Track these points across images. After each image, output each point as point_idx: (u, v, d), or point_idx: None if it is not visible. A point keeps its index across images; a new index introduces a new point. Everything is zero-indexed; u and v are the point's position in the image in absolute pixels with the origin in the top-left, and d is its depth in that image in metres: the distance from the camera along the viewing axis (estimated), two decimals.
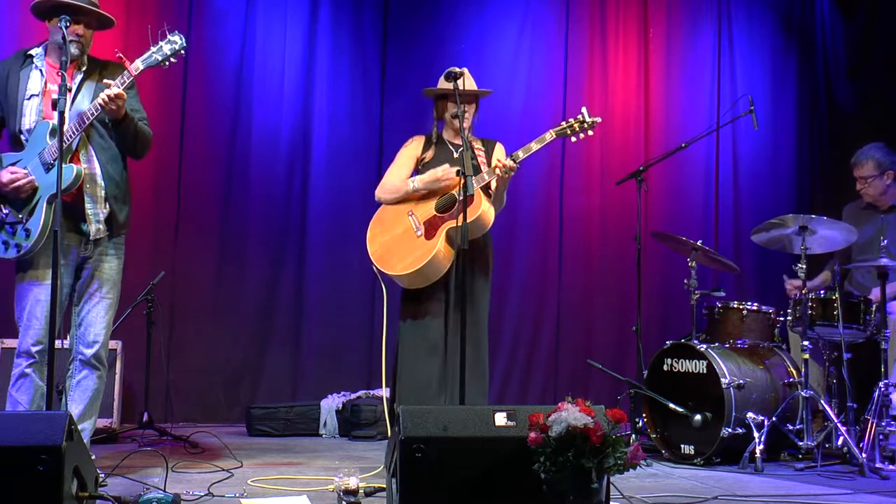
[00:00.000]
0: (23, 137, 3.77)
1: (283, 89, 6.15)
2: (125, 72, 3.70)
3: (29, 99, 3.79)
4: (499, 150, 4.52)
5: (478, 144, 4.48)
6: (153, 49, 3.72)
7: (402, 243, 4.30)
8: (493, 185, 4.31)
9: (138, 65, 3.71)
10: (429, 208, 4.33)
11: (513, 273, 6.43)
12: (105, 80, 3.72)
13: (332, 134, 6.23)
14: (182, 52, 3.74)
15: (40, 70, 3.82)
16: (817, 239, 4.79)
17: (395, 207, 4.44)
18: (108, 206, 3.80)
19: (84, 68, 3.85)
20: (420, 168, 4.49)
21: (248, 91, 6.07)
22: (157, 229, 5.84)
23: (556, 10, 6.67)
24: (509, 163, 4.18)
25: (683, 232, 5.51)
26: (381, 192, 4.49)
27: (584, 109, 4.26)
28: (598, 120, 4.29)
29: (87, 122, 3.68)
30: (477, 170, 4.32)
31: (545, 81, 6.62)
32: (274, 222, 6.11)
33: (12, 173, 3.67)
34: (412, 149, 4.54)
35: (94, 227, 3.76)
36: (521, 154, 4.20)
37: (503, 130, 6.22)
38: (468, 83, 4.35)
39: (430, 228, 4.27)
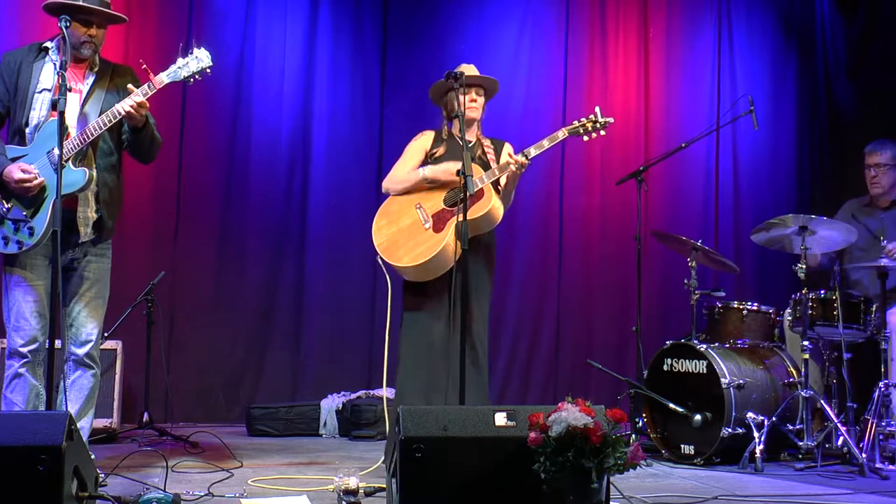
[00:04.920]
0: (27, 132, 3.71)
1: (283, 89, 6.15)
2: (148, 83, 3.65)
3: (40, 92, 3.72)
4: (507, 151, 4.47)
5: (487, 143, 4.47)
6: (179, 63, 3.68)
7: (409, 235, 4.24)
8: (503, 181, 4.29)
9: (163, 78, 3.66)
10: (437, 201, 4.27)
11: (513, 273, 6.43)
12: (129, 87, 3.66)
13: (332, 134, 6.23)
14: (208, 70, 3.69)
15: (54, 63, 3.74)
16: (817, 239, 4.79)
17: (402, 199, 4.36)
18: (98, 211, 3.76)
19: (96, 69, 3.81)
20: (430, 162, 4.42)
21: (248, 91, 6.07)
22: (157, 229, 5.84)
23: (556, 10, 6.67)
24: (521, 159, 4.16)
25: (683, 232, 5.51)
26: (388, 183, 4.43)
27: (597, 109, 4.24)
28: (611, 120, 4.25)
29: (101, 130, 3.62)
30: (487, 166, 4.30)
31: (545, 81, 6.62)
32: (274, 222, 6.11)
33: (24, 171, 3.60)
34: (422, 142, 4.48)
35: (83, 231, 3.73)
36: (533, 151, 4.18)
37: (503, 131, 6.16)
38: (474, 73, 4.33)
39: (439, 221, 4.22)
